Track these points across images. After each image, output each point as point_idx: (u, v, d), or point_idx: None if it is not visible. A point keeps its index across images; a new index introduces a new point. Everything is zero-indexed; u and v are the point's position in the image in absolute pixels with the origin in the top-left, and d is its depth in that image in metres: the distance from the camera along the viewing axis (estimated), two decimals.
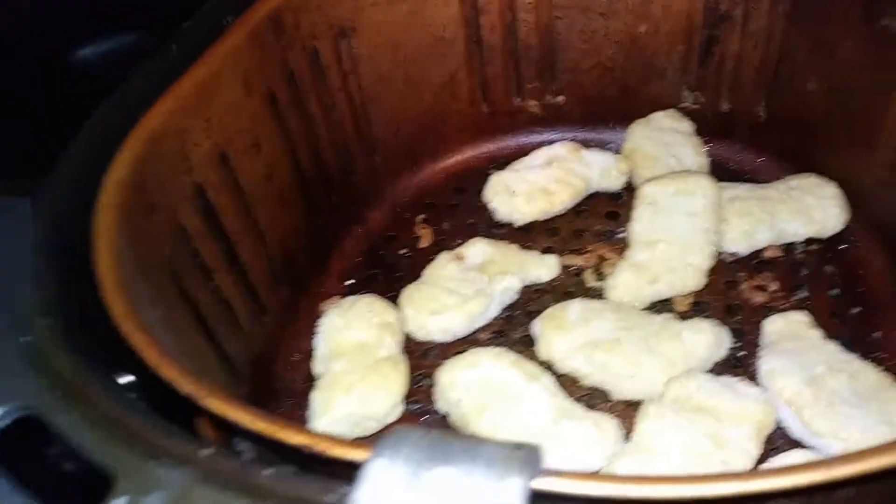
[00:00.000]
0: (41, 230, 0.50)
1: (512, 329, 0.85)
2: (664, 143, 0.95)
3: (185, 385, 0.41)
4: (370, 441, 0.75)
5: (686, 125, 0.97)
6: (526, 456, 0.34)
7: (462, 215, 0.98)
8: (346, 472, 0.35)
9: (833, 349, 0.72)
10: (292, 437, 0.39)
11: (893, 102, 0.77)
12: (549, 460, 0.67)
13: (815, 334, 0.74)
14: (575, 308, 0.80)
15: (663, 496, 0.35)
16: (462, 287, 0.85)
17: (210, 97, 0.69)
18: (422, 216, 0.99)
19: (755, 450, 0.66)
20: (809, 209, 0.85)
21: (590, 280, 0.88)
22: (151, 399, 0.43)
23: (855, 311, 0.81)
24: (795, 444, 0.69)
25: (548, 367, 0.79)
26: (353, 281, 0.93)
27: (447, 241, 0.95)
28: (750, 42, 0.89)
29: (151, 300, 0.54)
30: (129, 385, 0.44)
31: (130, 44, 1.35)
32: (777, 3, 0.85)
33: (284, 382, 0.83)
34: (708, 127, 0.97)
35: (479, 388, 0.74)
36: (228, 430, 0.43)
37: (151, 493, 0.32)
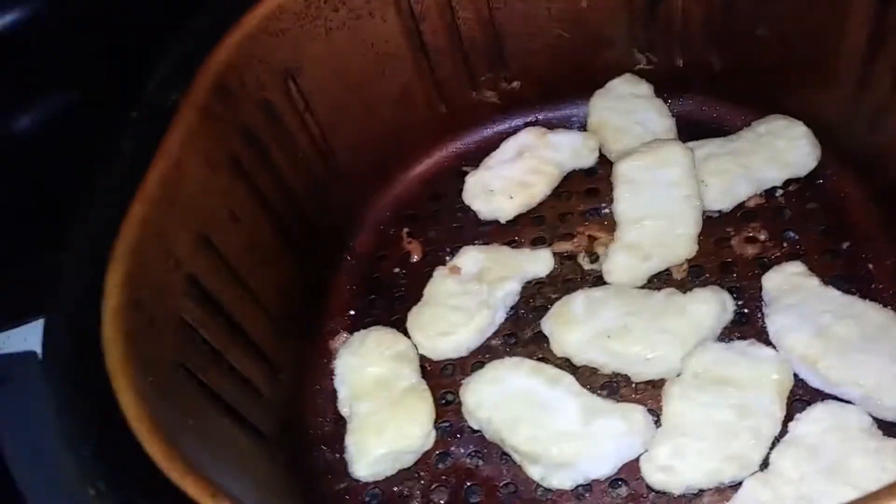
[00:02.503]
0: (57, 388, 0.49)
1: (521, 329, 0.86)
2: (627, 111, 0.95)
3: None
4: (411, 472, 0.78)
5: (645, 87, 0.97)
6: None
7: (446, 221, 0.98)
8: None
9: (834, 294, 0.74)
10: None
11: (845, 39, 0.77)
12: (589, 458, 0.70)
13: (814, 283, 0.76)
14: (579, 301, 0.81)
15: None
16: (465, 301, 0.86)
17: (177, 188, 0.68)
18: (406, 230, 0.99)
19: (780, 412, 0.68)
20: (782, 153, 0.86)
21: (585, 263, 0.89)
22: None
23: (845, 245, 0.83)
24: (816, 392, 0.72)
25: (565, 361, 0.81)
26: (354, 312, 0.93)
27: (437, 250, 0.96)
28: None
29: (179, 417, 0.54)
30: None
31: (66, 105, 1.30)
32: None
33: (316, 429, 0.83)
34: (666, 85, 0.97)
35: (505, 402, 0.75)
36: None
37: None
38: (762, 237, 0.85)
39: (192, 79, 0.74)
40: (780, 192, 0.89)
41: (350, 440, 0.78)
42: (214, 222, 0.73)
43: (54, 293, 0.56)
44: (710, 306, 0.76)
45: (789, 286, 0.76)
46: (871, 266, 0.80)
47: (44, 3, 1.27)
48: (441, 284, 0.88)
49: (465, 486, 0.77)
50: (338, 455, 0.80)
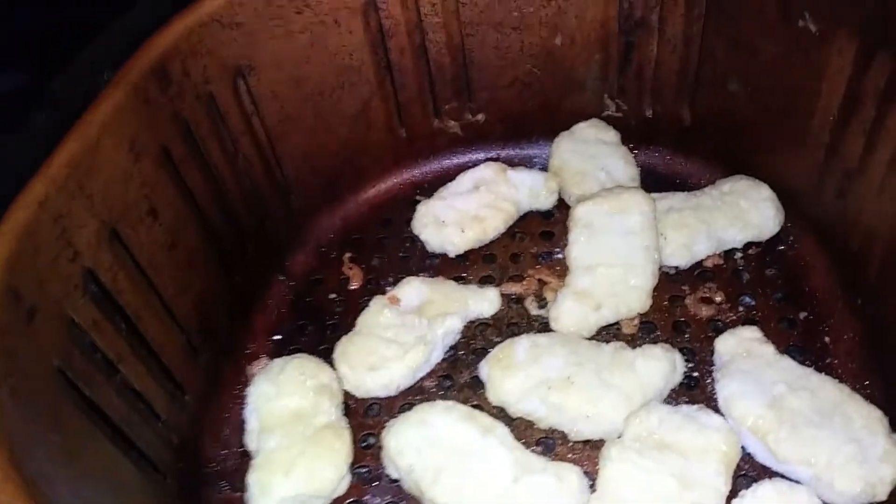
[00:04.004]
0: None
1: (458, 372, 0.80)
2: (591, 155, 0.92)
3: None
4: None
5: (612, 134, 0.94)
6: None
7: (392, 249, 0.93)
8: None
9: (789, 364, 0.70)
10: None
11: (819, 101, 0.75)
12: None
13: (769, 350, 0.71)
14: (522, 346, 0.75)
15: None
16: (401, 335, 0.79)
17: (90, 171, 0.60)
18: (349, 254, 0.93)
19: (725, 486, 0.63)
20: (745, 213, 0.83)
21: (532, 308, 0.84)
22: None
23: (802, 315, 0.79)
24: (762, 468, 0.67)
25: (500, 410, 0.75)
26: (280, 336, 0.86)
27: (379, 279, 0.89)
28: (668, 47, 0.87)
29: (41, 429, 0.46)
30: None
31: (10, 88, 1.22)
32: (692, 6, 0.83)
33: (216, 464, 0.75)
34: (633, 134, 0.95)
35: (430, 449, 0.68)
36: None
37: None
38: (718, 299, 0.81)
39: (130, 57, 0.67)
40: (739, 254, 0.85)
41: (253, 478, 0.70)
42: (129, 215, 0.65)
43: None
44: (661, 364, 0.71)
45: (743, 351, 0.71)
46: (827, 339, 0.76)
47: None
48: (377, 314, 0.81)
49: None
50: (238, 494, 0.72)
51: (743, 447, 0.67)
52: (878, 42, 0.67)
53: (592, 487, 0.66)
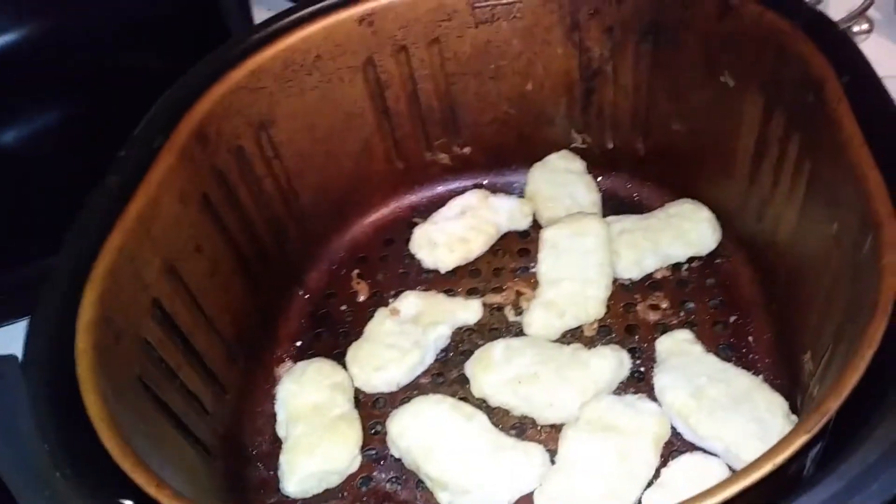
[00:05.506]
0: (34, 388, 0.58)
1: (448, 370, 0.96)
2: (560, 183, 1.08)
3: None
4: (336, 492, 0.87)
5: (578, 164, 1.10)
6: None
7: (393, 266, 1.09)
8: None
9: (712, 360, 0.86)
10: None
11: (740, 141, 0.91)
12: (490, 488, 0.80)
13: (698, 349, 0.88)
14: (498, 348, 0.92)
15: None
16: (400, 341, 0.96)
17: (152, 220, 0.77)
18: (356, 271, 1.09)
19: (654, 459, 0.79)
20: (687, 232, 0.99)
21: (510, 315, 1.01)
22: None
23: (732, 318, 0.95)
24: (690, 444, 0.83)
25: (482, 401, 0.91)
26: (300, 343, 1.03)
27: (382, 292, 1.06)
28: (621, 92, 1.02)
29: (134, 421, 0.63)
30: None
31: (54, 122, 1.39)
32: (639, 60, 0.98)
33: (254, 447, 0.92)
34: (597, 163, 1.10)
35: (424, 433, 0.85)
36: None
37: None
38: (664, 305, 0.97)
39: (176, 125, 0.84)
40: (685, 266, 1.01)
41: (283, 458, 0.87)
42: (181, 252, 0.82)
43: (39, 306, 0.65)
44: (609, 362, 0.87)
45: (677, 350, 0.87)
46: (750, 338, 0.92)
47: (39, 30, 1.39)
48: (381, 324, 0.98)
49: None
50: (271, 472, 0.89)
51: (674, 427, 0.83)
52: (775, 100, 0.83)
53: (553, 461, 0.83)
